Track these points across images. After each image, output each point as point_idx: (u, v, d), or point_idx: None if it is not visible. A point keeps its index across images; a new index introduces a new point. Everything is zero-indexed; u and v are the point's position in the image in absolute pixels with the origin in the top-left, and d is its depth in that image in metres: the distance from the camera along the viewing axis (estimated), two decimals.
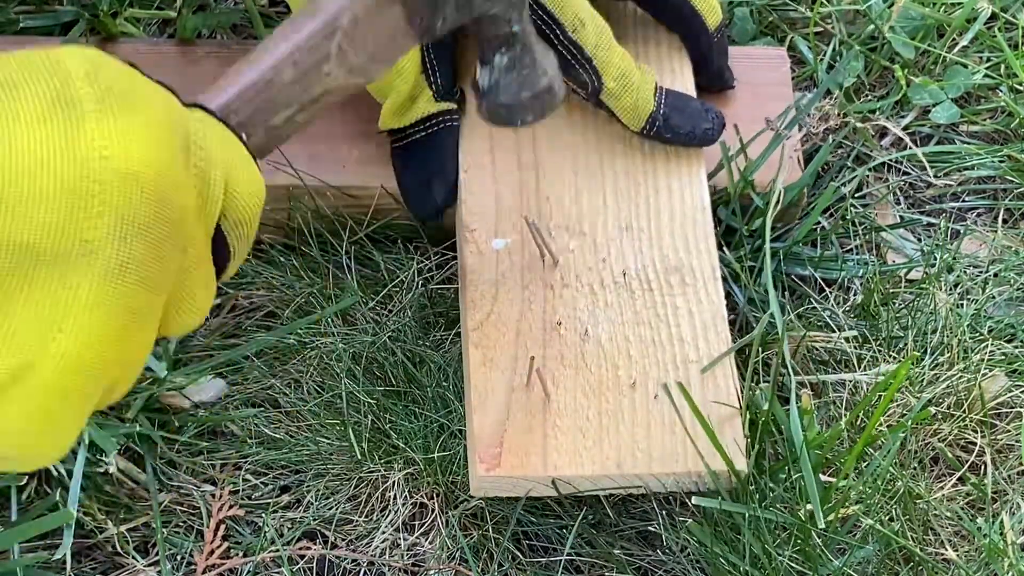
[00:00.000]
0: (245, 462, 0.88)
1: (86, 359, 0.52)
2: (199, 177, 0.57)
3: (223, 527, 0.86)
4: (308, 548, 0.85)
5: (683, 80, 0.94)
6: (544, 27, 0.84)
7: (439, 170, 0.89)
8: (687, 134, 0.90)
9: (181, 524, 0.86)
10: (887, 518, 0.83)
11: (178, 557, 0.85)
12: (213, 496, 0.87)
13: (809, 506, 0.79)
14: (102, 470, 0.84)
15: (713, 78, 0.95)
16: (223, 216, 0.59)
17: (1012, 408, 0.90)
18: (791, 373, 0.87)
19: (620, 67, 0.87)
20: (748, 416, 0.83)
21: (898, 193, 1.03)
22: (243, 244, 0.61)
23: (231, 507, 0.86)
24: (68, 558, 0.82)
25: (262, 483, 0.88)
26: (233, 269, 0.62)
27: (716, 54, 0.94)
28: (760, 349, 0.89)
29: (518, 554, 0.85)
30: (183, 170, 0.55)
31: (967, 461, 0.88)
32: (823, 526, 0.79)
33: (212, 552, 0.84)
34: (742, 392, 0.83)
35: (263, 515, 0.86)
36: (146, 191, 0.52)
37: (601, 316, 0.84)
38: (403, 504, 0.86)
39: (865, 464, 0.85)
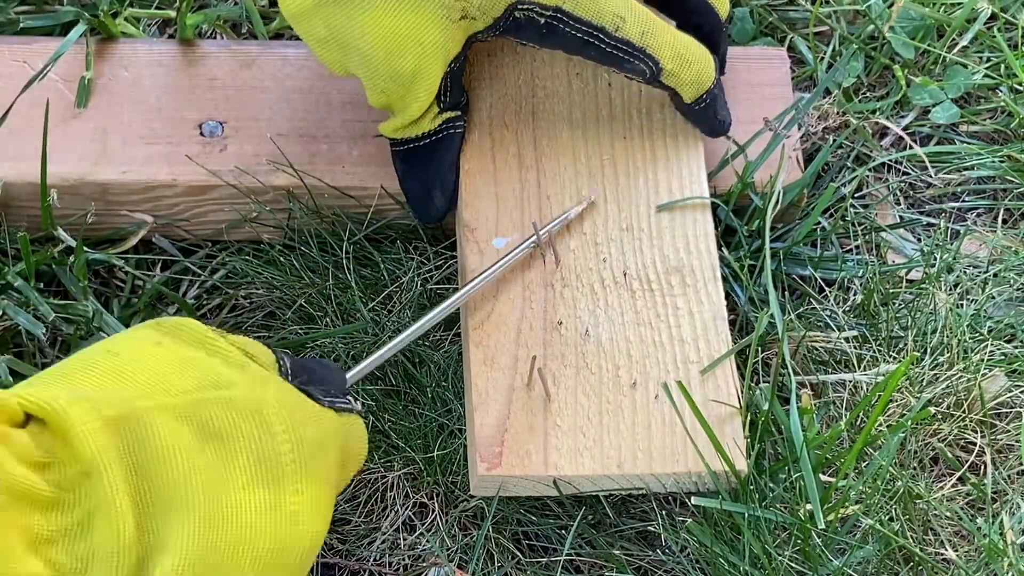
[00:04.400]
0: None
1: None
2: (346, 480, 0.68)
3: None
4: None
5: None
6: (587, 37, 0.83)
7: (439, 178, 0.88)
8: (720, 121, 0.90)
9: None
10: (887, 518, 0.83)
11: None
12: None
13: (809, 506, 0.79)
14: None
15: (721, 68, 0.93)
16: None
17: (1012, 408, 0.90)
18: (791, 373, 0.87)
19: (672, 46, 0.85)
20: (748, 416, 0.83)
21: (898, 193, 1.03)
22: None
23: None
24: None
25: None
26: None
27: (726, 45, 0.93)
28: (760, 349, 0.89)
29: (518, 554, 0.85)
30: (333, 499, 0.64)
31: (967, 461, 0.88)
32: (823, 526, 0.79)
33: None
34: (742, 392, 0.83)
35: None
36: (315, 545, 0.59)
37: (602, 316, 0.84)
38: (403, 504, 0.86)
39: (865, 464, 0.85)
